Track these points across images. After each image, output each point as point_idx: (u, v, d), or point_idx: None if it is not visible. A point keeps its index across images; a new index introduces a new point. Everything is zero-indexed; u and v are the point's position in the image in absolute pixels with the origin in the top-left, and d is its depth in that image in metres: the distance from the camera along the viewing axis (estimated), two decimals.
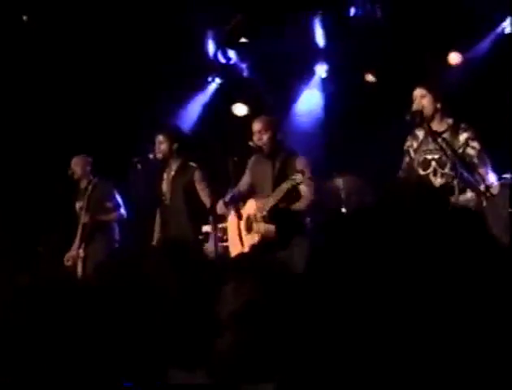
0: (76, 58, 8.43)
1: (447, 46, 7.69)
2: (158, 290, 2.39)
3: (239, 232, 5.66)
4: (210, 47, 9.13)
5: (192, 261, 2.54)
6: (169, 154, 6.75)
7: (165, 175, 6.84)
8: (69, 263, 7.25)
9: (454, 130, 5.31)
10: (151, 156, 6.87)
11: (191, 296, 2.25)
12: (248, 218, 5.60)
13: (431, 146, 5.35)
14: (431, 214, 1.21)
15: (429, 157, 5.36)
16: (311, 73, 8.94)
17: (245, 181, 5.95)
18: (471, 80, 7.46)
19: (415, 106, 5.38)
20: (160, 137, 6.74)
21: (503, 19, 7.77)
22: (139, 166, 6.93)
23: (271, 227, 5.45)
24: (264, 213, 5.42)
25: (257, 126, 5.72)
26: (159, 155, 6.75)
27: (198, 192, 6.60)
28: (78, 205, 7.39)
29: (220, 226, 7.38)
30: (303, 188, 5.44)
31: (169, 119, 8.67)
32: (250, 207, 5.62)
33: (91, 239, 7.21)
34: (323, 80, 8.91)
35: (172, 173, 6.79)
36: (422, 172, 5.38)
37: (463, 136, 5.27)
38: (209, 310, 2.08)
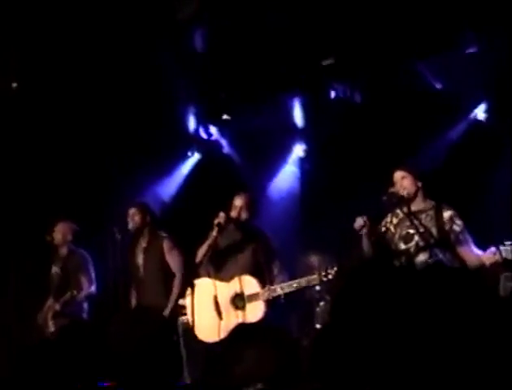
0: (61, 127, 8.55)
1: (423, 131, 7.90)
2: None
3: (216, 306, 5.64)
4: (191, 122, 9.31)
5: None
6: (142, 226, 6.87)
7: (138, 248, 6.91)
8: (41, 322, 7.24)
9: (438, 208, 5.47)
10: (131, 227, 6.97)
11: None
12: (239, 294, 5.60)
13: (415, 221, 5.48)
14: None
15: (411, 231, 5.48)
16: (289, 152, 9.12)
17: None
18: (443, 164, 7.67)
19: (397, 189, 5.51)
20: (132, 210, 6.90)
21: (476, 106, 8.06)
22: (118, 236, 7.01)
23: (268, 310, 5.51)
24: (271, 297, 5.47)
25: (239, 202, 5.82)
26: (132, 227, 6.87)
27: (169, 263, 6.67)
28: (54, 269, 7.41)
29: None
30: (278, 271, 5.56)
31: (147, 189, 8.78)
32: (246, 284, 5.62)
33: (59, 314, 7.20)
34: (301, 159, 9.09)
35: (144, 245, 6.88)
36: (403, 246, 5.48)
37: (447, 214, 5.44)
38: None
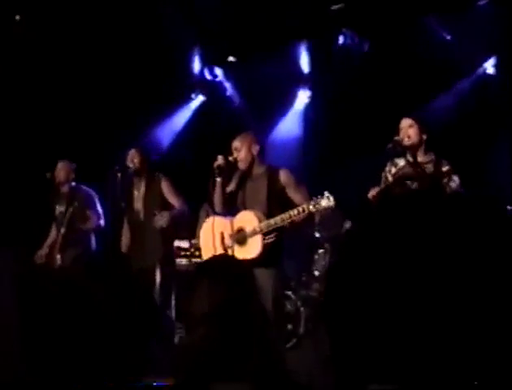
0: (63, 66, 8.46)
1: (430, 83, 7.81)
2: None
3: (222, 242, 5.64)
4: (196, 64, 9.22)
5: None
6: (141, 169, 6.84)
7: (135, 192, 6.88)
8: (41, 261, 7.29)
9: (437, 163, 5.44)
10: (132, 166, 6.93)
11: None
12: (240, 230, 5.54)
13: (413, 172, 5.45)
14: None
15: (409, 183, 5.45)
16: (294, 97, 9.05)
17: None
18: (452, 118, 7.60)
19: (401, 137, 5.46)
20: (132, 151, 6.85)
21: (486, 60, 7.97)
22: (119, 175, 6.97)
23: (266, 244, 5.43)
24: (269, 229, 5.39)
25: (234, 143, 5.75)
26: (131, 169, 6.82)
27: (167, 200, 6.65)
28: (58, 209, 7.42)
29: (193, 242, 7.42)
30: (299, 201, 5.46)
31: (149, 131, 8.75)
32: (246, 220, 5.54)
33: (68, 246, 7.23)
34: (306, 106, 9.02)
35: (143, 189, 6.85)
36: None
37: (446, 168, 5.42)
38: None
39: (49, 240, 7.40)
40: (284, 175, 5.63)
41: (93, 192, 7.44)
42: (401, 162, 5.55)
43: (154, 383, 4.76)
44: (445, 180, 5.36)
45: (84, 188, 7.45)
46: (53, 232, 7.40)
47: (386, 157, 5.63)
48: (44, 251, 7.34)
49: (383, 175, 5.64)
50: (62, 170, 7.37)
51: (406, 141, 5.46)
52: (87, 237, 7.31)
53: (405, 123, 5.51)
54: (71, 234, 7.20)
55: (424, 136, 5.49)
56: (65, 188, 7.41)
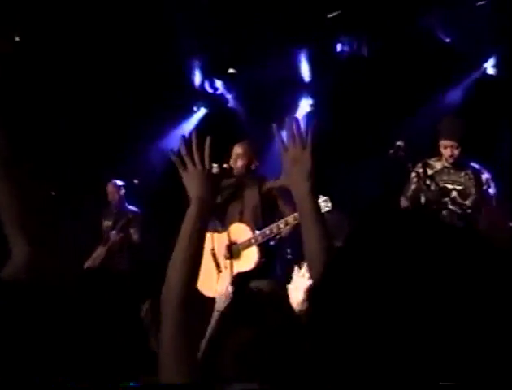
0: (61, 84, 8.46)
1: (430, 86, 7.79)
2: None
3: (214, 258, 5.49)
4: (197, 76, 9.21)
5: None
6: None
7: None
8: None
9: (476, 170, 5.53)
10: (136, 181, 6.94)
11: None
12: (233, 243, 5.48)
13: (453, 177, 5.47)
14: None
15: (450, 186, 5.45)
16: (296, 106, 9.02)
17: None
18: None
19: (445, 155, 5.45)
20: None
21: (486, 60, 7.94)
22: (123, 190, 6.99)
23: (262, 255, 5.39)
24: (265, 239, 5.34)
25: (236, 150, 5.69)
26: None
27: None
28: (105, 223, 7.57)
29: None
30: (289, 213, 5.39)
31: (152, 144, 8.74)
32: (238, 232, 5.50)
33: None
34: (308, 114, 8.99)
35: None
36: (438, 198, 5.47)
37: (485, 176, 5.50)
38: None
39: (97, 251, 7.45)
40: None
41: (138, 211, 7.59)
42: (438, 166, 5.57)
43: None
44: (485, 187, 5.39)
45: (130, 209, 7.60)
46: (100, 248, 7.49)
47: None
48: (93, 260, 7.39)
49: (413, 176, 5.62)
50: (113, 191, 7.54)
51: (449, 160, 5.45)
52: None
53: (449, 143, 5.44)
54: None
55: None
56: (114, 207, 7.58)
